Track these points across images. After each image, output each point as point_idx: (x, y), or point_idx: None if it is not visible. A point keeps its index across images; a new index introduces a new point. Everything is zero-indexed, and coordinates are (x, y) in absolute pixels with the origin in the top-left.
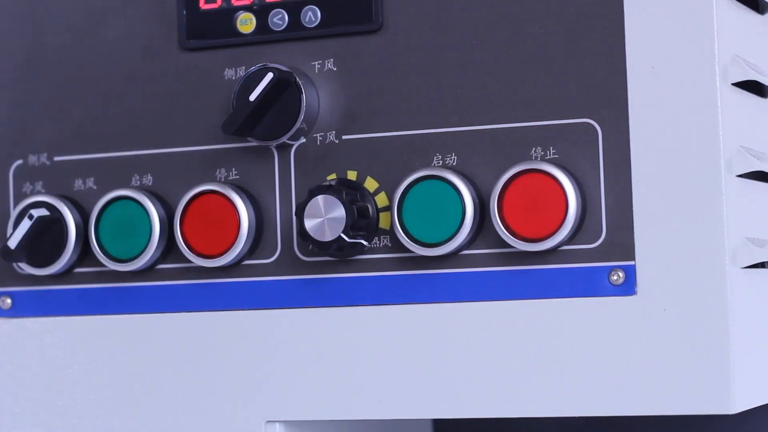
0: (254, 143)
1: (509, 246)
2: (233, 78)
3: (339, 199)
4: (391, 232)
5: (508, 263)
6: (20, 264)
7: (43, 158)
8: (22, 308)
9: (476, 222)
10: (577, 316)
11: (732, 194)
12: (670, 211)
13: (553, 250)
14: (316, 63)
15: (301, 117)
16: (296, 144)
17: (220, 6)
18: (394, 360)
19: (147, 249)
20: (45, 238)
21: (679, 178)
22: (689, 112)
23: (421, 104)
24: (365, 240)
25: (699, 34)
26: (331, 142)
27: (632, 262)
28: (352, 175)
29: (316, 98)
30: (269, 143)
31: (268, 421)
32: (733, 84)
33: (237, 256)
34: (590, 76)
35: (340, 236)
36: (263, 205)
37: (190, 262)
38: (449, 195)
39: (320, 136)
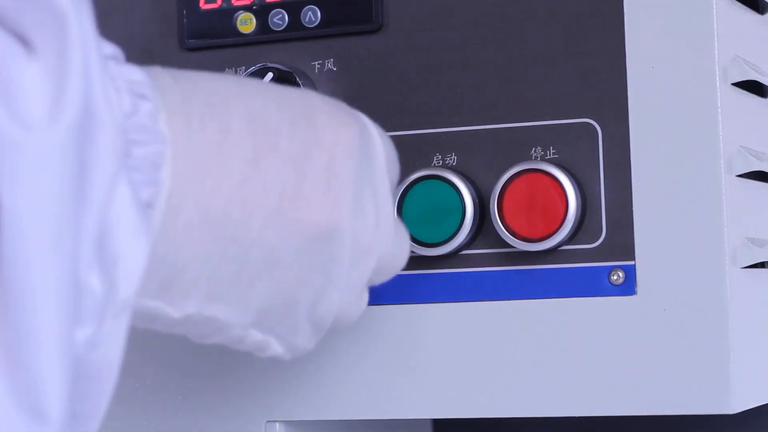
0: None
1: (509, 246)
2: None
3: None
4: None
5: (508, 263)
6: None
7: None
8: None
9: (476, 222)
10: (577, 316)
11: (732, 194)
12: (670, 211)
13: (553, 250)
14: (316, 63)
15: None
16: None
17: (220, 6)
18: (394, 360)
19: None
20: None
21: (679, 178)
22: (689, 112)
23: (421, 104)
24: None
25: (699, 34)
26: None
27: (632, 262)
28: None
29: None
30: None
31: (268, 421)
32: (733, 84)
33: None
34: (590, 76)
35: None
36: None
37: None
38: (449, 195)
39: None
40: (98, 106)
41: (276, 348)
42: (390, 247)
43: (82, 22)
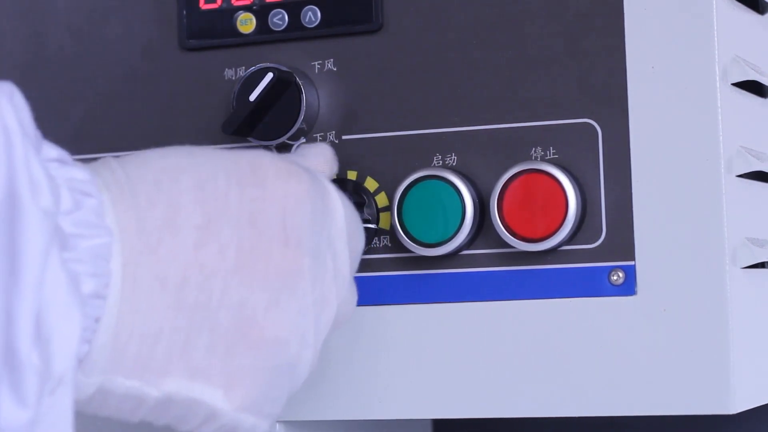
0: (254, 143)
1: (509, 246)
2: (233, 78)
3: None
4: (391, 232)
5: (508, 263)
6: None
7: None
8: None
9: (476, 222)
10: (577, 316)
11: (732, 194)
12: (670, 211)
13: (553, 250)
14: (316, 63)
15: (301, 117)
16: (296, 144)
17: (220, 6)
18: (394, 360)
19: None
20: None
21: (679, 178)
22: (689, 112)
23: (421, 104)
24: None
25: (699, 34)
26: (331, 142)
27: (632, 262)
28: (352, 175)
29: (316, 98)
30: (269, 143)
31: None
32: (733, 84)
33: None
34: (590, 76)
35: None
36: None
37: None
38: (449, 195)
39: (320, 136)
40: (23, 197)
41: (263, 426)
42: (345, 293)
43: (6, 125)
